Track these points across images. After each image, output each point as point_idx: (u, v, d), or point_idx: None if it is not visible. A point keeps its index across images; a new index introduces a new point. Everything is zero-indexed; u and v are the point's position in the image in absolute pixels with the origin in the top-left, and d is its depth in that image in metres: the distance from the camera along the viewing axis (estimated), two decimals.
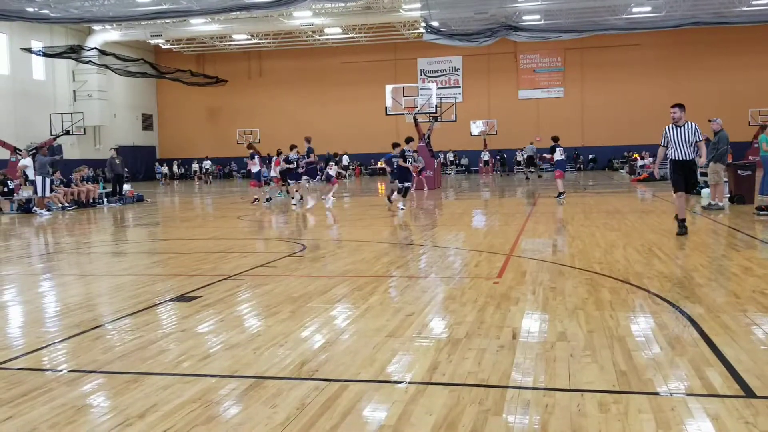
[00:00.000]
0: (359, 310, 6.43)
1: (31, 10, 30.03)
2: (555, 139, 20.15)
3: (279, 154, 22.33)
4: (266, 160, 24.49)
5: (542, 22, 33.58)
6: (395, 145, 18.96)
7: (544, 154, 22.32)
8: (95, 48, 38.82)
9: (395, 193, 19.05)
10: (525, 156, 38.89)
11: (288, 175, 20.59)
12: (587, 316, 5.93)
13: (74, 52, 37.39)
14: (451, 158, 48.27)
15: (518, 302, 6.60)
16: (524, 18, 33.18)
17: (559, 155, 20.10)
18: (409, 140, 19.20)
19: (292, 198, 20.33)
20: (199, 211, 21.45)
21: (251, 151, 21.82)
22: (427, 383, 4.34)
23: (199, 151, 52.23)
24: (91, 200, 23.30)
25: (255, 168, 21.70)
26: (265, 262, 9.68)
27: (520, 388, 4.23)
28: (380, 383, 4.39)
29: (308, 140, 20.23)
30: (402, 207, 17.76)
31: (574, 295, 6.87)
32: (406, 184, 18.37)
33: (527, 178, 36.22)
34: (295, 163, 20.11)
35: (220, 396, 4.19)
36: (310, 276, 8.54)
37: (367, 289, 7.47)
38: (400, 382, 4.37)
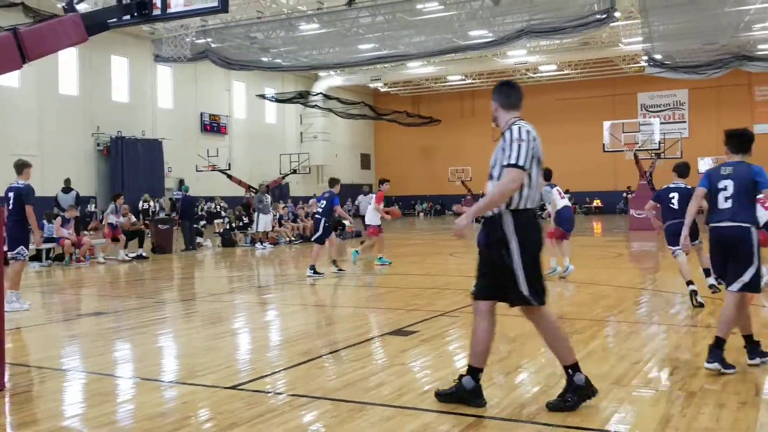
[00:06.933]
0: (580, 355, 6.13)
1: (265, 59, 32.93)
2: None
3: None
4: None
5: None
6: (333, 182, 13.65)
7: None
8: (321, 93, 41.60)
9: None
10: None
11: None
12: None
13: (302, 97, 40.34)
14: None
15: None
16: (760, 47, 30.62)
17: None
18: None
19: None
20: (414, 248, 21.95)
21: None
22: None
23: (413, 189, 53.79)
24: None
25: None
26: None
27: None
28: None
29: (331, 183, 13.64)
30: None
31: None
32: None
33: None
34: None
35: None
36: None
37: (588, 333, 7.15)
38: None
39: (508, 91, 4.82)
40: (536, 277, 4.58)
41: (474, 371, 4.69)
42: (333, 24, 29.48)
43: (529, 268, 4.54)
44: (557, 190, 12.39)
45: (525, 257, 4.52)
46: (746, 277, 5.47)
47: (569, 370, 4.59)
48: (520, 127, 4.61)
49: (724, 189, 5.61)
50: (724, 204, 5.59)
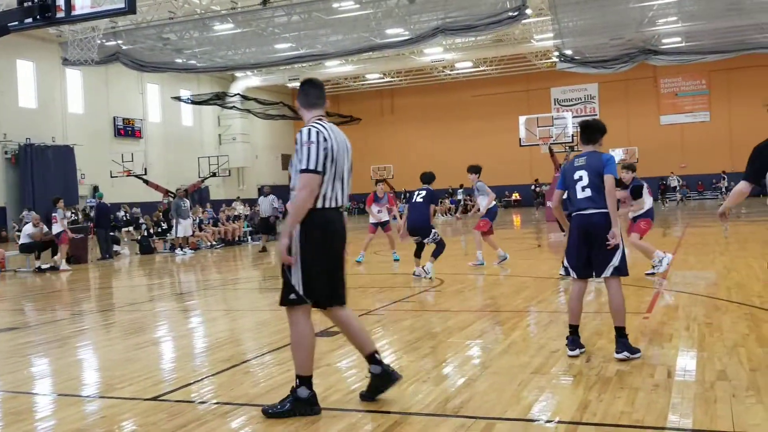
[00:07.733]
0: (502, 346, 6.31)
1: (180, 61, 32.25)
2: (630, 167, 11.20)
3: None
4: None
5: (683, 44, 32.21)
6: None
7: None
8: (238, 94, 40.94)
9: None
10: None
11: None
12: (749, 354, 5.53)
13: (219, 98, 39.56)
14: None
15: (672, 339, 6.26)
16: (663, 41, 31.94)
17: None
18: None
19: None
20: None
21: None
22: (578, 423, 4.18)
23: None
24: (236, 238, 24.40)
25: None
26: (404, 297, 9.72)
27: (678, 429, 4.00)
28: (528, 422, 4.26)
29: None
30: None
31: (732, 331, 6.43)
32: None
33: None
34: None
35: (366, 431, 4.20)
36: (450, 311, 8.49)
37: (509, 324, 7.32)
38: (549, 421, 4.22)
39: (307, 90, 4.74)
40: (313, 277, 4.55)
41: (369, 359, 4.78)
42: (248, 24, 29.12)
43: (308, 266, 4.50)
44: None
45: (305, 254, 4.48)
46: (616, 260, 5.75)
47: (297, 380, 4.57)
48: (309, 129, 4.50)
49: (580, 179, 5.74)
50: (582, 193, 5.72)
